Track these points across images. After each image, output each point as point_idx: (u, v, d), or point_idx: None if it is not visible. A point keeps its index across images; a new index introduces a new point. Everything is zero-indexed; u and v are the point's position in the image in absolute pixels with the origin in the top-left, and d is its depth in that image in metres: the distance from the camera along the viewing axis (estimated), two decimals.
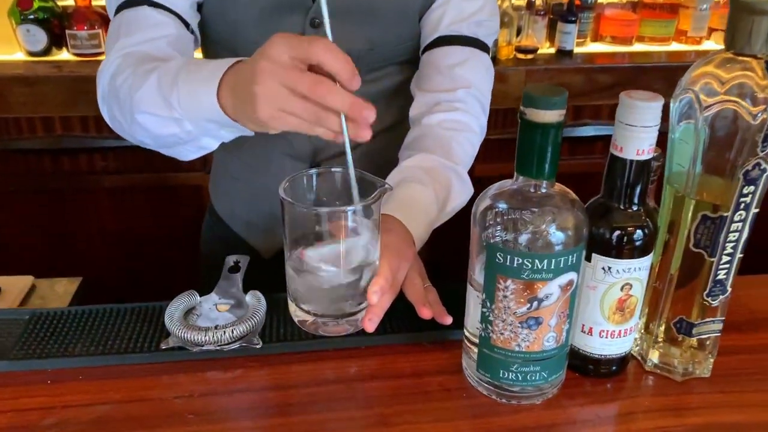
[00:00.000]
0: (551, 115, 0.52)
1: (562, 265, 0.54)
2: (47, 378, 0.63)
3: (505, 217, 0.56)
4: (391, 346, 0.67)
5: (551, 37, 1.88)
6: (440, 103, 0.88)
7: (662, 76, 1.80)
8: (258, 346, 0.65)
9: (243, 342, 0.65)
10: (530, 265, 0.53)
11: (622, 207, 0.58)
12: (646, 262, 0.59)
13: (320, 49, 0.55)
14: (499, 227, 0.56)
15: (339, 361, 0.66)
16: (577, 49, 1.87)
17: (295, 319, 0.68)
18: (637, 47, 1.96)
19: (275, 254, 1.01)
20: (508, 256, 0.54)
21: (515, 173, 0.56)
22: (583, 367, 0.64)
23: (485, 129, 0.91)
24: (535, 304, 0.55)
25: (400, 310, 0.68)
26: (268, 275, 0.80)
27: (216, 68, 0.63)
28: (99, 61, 0.79)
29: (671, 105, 0.58)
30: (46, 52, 1.70)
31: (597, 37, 1.98)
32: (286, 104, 0.56)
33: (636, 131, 0.55)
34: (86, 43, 1.68)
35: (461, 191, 0.83)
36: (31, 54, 1.69)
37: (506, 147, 1.84)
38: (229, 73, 0.62)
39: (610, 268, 0.58)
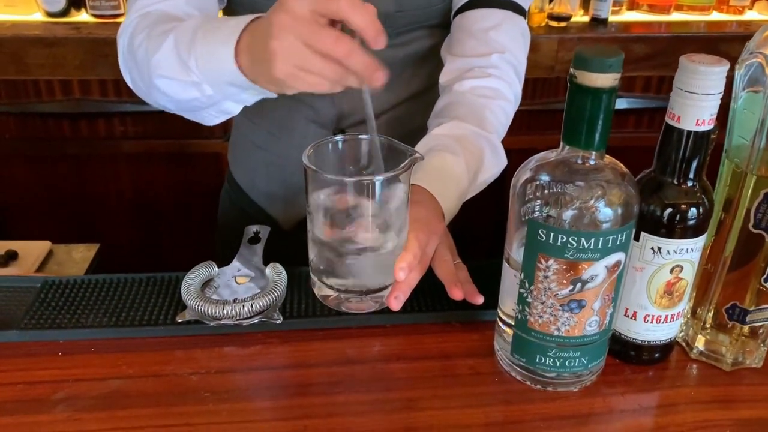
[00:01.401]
0: (605, 79, 0.47)
1: (610, 245, 0.49)
2: (58, 349, 0.60)
3: (547, 191, 0.51)
4: (418, 325, 0.64)
5: (585, 4, 1.80)
6: (472, 68, 0.83)
7: (701, 47, 1.72)
8: (278, 322, 0.62)
9: (262, 317, 0.62)
10: (575, 244, 0.49)
11: (675, 182, 0.53)
12: (699, 242, 0.54)
13: (345, 4, 0.50)
14: (539, 202, 0.51)
15: (363, 340, 0.62)
16: (611, 18, 1.79)
17: (317, 294, 0.65)
18: (675, 16, 1.87)
19: (296, 225, 0.97)
20: (551, 234, 0.49)
21: (561, 142, 0.51)
22: (623, 353, 0.60)
23: (520, 97, 0.86)
24: (579, 285, 0.51)
25: (428, 288, 0.65)
26: (289, 247, 0.76)
27: (234, 27, 0.58)
28: (118, 23, 0.75)
29: (736, 71, 0.52)
30: (65, 13, 1.66)
31: (633, 5, 1.89)
32: (305, 61, 0.52)
33: (697, 99, 0.49)
34: (105, 4, 1.64)
35: (494, 162, 0.79)
36: (50, 15, 1.66)
37: (536, 119, 1.79)
38: (246, 30, 0.58)
39: (660, 248, 0.54)
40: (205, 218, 1.40)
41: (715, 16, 1.89)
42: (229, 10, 0.86)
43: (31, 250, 1.24)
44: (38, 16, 1.67)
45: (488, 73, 0.82)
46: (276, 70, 0.53)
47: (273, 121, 0.93)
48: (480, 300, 0.63)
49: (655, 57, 1.72)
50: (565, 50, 1.68)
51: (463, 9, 0.84)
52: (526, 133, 1.73)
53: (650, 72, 1.75)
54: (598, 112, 0.48)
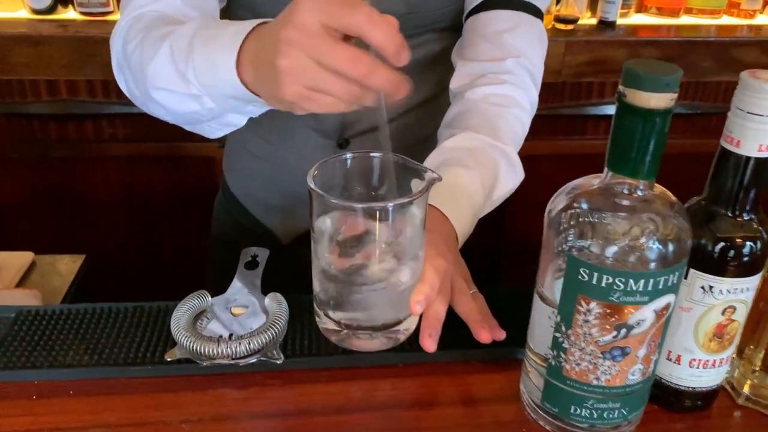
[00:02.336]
0: (660, 99, 0.41)
1: (661, 287, 0.43)
2: (32, 392, 0.54)
3: (587, 222, 0.45)
4: (434, 364, 0.58)
5: (593, 6, 1.74)
6: (486, 74, 0.77)
7: (711, 52, 1.67)
8: (279, 362, 0.55)
9: (261, 356, 0.55)
10: (622, 286, 0.43)
11: (730, 214, 0.47)
12: (755, 281, 0.48)
13: (362, 18, 0.44)
14: (577, 233, 0.45)
15: (373, 382, 0.56)
16: (619, 20, 1.74)
17: (321, 328, 0.58)
18: (684, 19, 1.82)
19: (294, 239, 0.91)
20: (595, 274, 0.43)
21: (605, 169, 0.45)
22: (663, 399, 0.54)
23: (536, 105, 0.81)
24: (623, 331, 0.45)
25: (445, 322, 0.58)
26: (287, 263, 0.70)
27: (235, 34, 0.52)
28: (107, 22, 0.69)
29: None
30: (51, 9, 1.59)
31: (641, 8, 1.84)
32: (317, 82, 0.46)
33: (761, 122, 0.44)
34: (94, 1, 1.57)
35: (511, 176, 0.73)
36: (36, 12, 1.58)
37: (541, 124, 1.72)
38: (250, 39, 0.51)
39: (711, 287, 0.48)
40: (198, 225, 1.33)
41: (726, 19, 1.84)
42: (228, 10, 0.79)
43: (13, 262, 1.17)
44: (23, 13, 1.60)
45: (503, 80, 0.76)
46: (284, 91, 0.47)
47: (271, 128, 0.87)
48: (502, 335, 0.57)
49: (666, 62, 1.67)
50: (571, 54, 1.63)
51: (475, 11, 0.79)
52: (530, 140, 1.68)
53: None
54: (650, 137, 0.42)
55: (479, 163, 0.69)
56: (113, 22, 1.32)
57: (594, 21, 1.74)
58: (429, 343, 0.54)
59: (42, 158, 1.61)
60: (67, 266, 1.21)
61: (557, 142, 1.69)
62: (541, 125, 1.81)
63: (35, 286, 1.14)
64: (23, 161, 1.61)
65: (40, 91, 1.55)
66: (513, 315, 0.57)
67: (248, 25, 0.52)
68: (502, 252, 1.76)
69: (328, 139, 0.84)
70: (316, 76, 0.46)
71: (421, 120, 0.87)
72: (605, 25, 1.71)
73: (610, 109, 1.70)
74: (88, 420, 0.51)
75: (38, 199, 1.63)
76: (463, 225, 0.64)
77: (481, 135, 0.72)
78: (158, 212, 1.67)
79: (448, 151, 0.70)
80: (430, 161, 0.69)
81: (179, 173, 1.65)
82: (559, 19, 1.68)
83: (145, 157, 1.63)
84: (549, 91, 1.65)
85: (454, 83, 0.79)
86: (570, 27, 1.68)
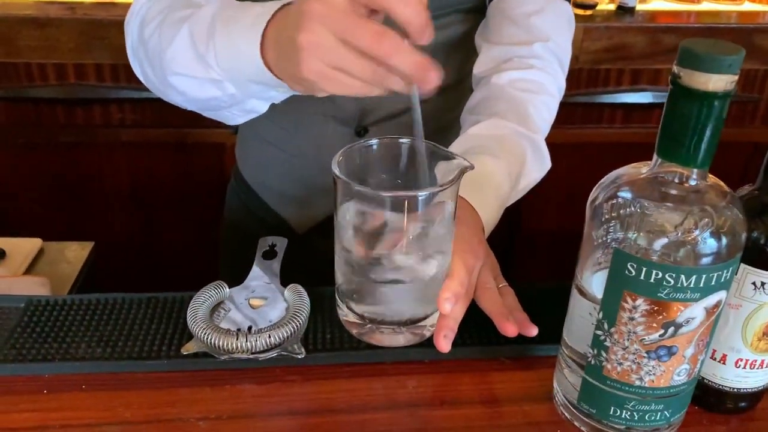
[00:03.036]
0: (719, 81, 0.38)
1: (713, 283, 0.41)
2: (43, 386, 0.51)
3: (633, 213, 0.42)
4: (462, 361, 0.55)
5: None
6: (512, 59, 0.74)
7: (732, 40, 1.58)
8: (300, 356, 0.53)
9: (281, 350, 0.53)
10: (672, 282, 0.40)
11: None
12: None
13: None
14: (618, 224, 0.42)
15: (397, 379, 0.53)
16: (639, 6, 1.69)
17: (343, 321, 0.56)
18: (705, 5, 1.78)
19: (309, 229, 0.88)
20: (643, 269, 0.40)
21: (655, 156, 0.42)
22: (703, 400, 0.51)
23: (563, 91, 0.78)
24: (671, 330, 0.42)
25: (472, 316, 0.56)
26: (302, 253, 0.68)
27: (259, 16, 0.49)
28: (115, 4, 0.67)
29: None
30: None
31: None
32: (339, 60, 0.44)
33: None
34: None
35: (537, 165, 0.70)
36: None
37: (559, 112, 1.70)
38: (274, 20, 0.49)
39: (763, 284, 0.45)
40: (208, 213, 1.31)
41: (747, 6, 1.79)
42: None
43: (21, 248, 1.14)
44: None
45: (530, 64, 0.73)
46: (304, 69, 0.44)
47: (287, 115, 0.84)
48: (534, 331, 0.54)
49: None
50: (590, 39, 1.59)
51: None
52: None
53: None
54: (707, 122, 0.39)
55: (507, 152, 0.66)
56: (122, 5, 1.29)
57: (613, 6, 1.70)
58: (444, 343, 0.51)
59: (49, 144, 1.59)
60: (75, 254, 1.19)
61: (572, 131, 1.65)
62: (558, 113, 1.78)
63: (43, 274, 1.12)
64: (30, 146, 1.58)
65: (48, 75, 1.52)
66: (543, 310, 0.55)
67: (272, 6, 0.49)
68: (515, 244, 1.74)
69: (346, 126, 0.81)
70: (338, 53, 0.43)
71: (443, 106, 0.84)
72: (624, 10, 1.68)
73: (627, 97, 1.66)
74: (100, 417, 0.49)
75: (45, 185, 1.61)
76: (490, 216, 0.62)
77: (509, 122, 0.69)
78: (167, 199, 1.65)
79: (474, 138, 0.67)
80: (456, 148, 0.67)
81: (188, 159, 1.62)
82: (577, 5, 1.64)
83: (154, 143, 1.60)
84: (567, 77, 1.61)
85: (479, 67, 0.76)
86: (588, 12, 1.64)
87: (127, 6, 0.66)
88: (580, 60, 1.60)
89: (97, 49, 1.47)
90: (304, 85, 0.47)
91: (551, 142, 0.73)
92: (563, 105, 0.75)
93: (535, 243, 1.77)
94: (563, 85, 0.77)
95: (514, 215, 1.67)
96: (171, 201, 1.65)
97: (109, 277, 1.41)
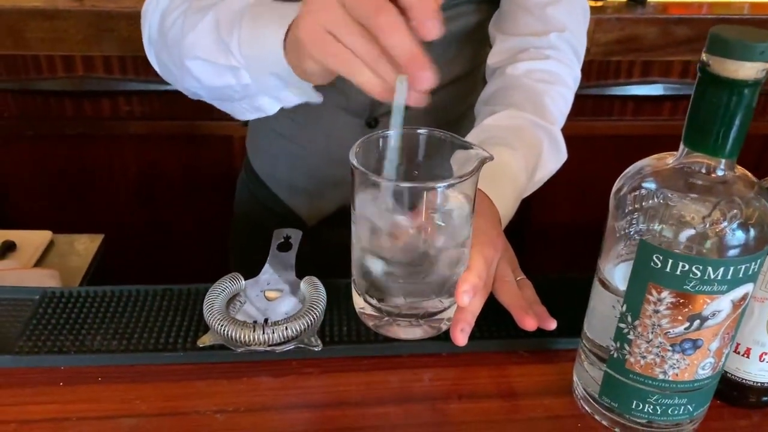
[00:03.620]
0: (750, 69, 0.37)
1: (741, 275, 0.40)
2: (59, 378, 0.51)
3: (659, 204, 0.41)
4: (480, 354, 0.54)
5: None
6: (528, 49, 0.73)
7: None
8: (317, 349, 0.53)
9: (298, 342, 0.53)
10: (699, 274, 0.39)
11: None
12: None
13: None
14: (643, 215, 0.42)
15: (415, 372, 0.53)
16: None
17: (359, 314, 0.55)
18: None
19: (320, 221, 0.88)
20: (670, 260, 0.40)
21: (681, 145, 0.41)
22: (725, 394, 0.50)
23: (579, 82, 0.77)
24: (697, 323, 0.41)
25: (490, 309, 0.55)
26: (312, 246, 0.67)
27: (288, 9, 0.49)
28: None
29: None
30: None
31: None
32: (335, 24, 0.42)
33: None
34: None
35: (554, 156, 0.70)
36: None
37: (572, 105, 1.69)
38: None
39: None
40: (217, 205, 1.30)
41: None
42: None
43: (31, 241, 1.14)
44: None
45: (546, 55, 0.73)
46: (301, 28, 0.43)
47: (298, 107, 0.83)
48: (553, 325, 0.54)
49: (698, 40, 1.61)
50: (601, 31, 1.58)
51: None
52: None
53: (690, 56, 1.64)
54: (737, 111, 0.38)
55: (523, 143, 0.65)
56: None
57: None
58: (461, 337, 0.50)
59: (57, 136, 1.59)
60: (85, 246, 1.18)
61: (583, 123, 1.64)
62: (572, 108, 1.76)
63: (53, 266, 1.12)
64: (38, 139, 1.58)
65: (56, 68, 1.52)
66: (561, 303, 0.54)
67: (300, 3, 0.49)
68: (525, 237, 1.73)
69: (357, 118, 0.81)
70: (336, 17, 0.42)
71: (455, 98, 0.83)
72: (636, 2, 1.66)
73: (638, 89, 1.65)
74: (117, 409, 0.49)
75: (53, 177, 1.61)
76: (507, 208, 0.61)
77: (525, 113, 0.68)
78: (175, 192, 1.65)
79: (490, 129, 0.67)
80: (472, 138, 0.66)
81: (197, 152, 1.62)
82: None
83: (162, 135, 1.60)
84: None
85: (493, 58, 0.75)
86: (599, 3, 1.63)
87: None
88: (590, 52, 1.57)
89: (105, 41, 1.46)
90: (299, 52, 0.46)
91: (565, 134, 0.72)
92: (577, 98, 0.75)
93: (547, 235, 1.76)
94: (578, 75, 0.76)
95: (525, 208, 1.66)
96: (179, 193, 1.65)
97: (119, 269, 1.41)
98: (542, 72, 0.72)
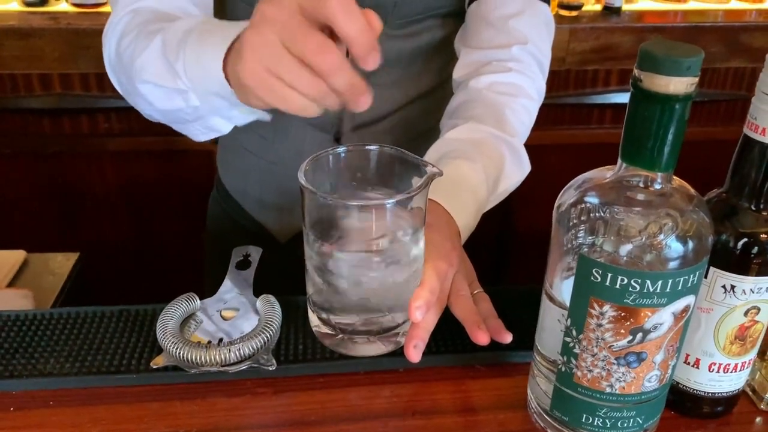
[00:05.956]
0: (679, 84, 0.37)
1: (680, 288, 0.40)
2: (11, 404, 0.50)
3: (599, 218, 0.42)
4: (437, 369, 0.54)
5: None
6: (491, 62, 0.73)
7: (719, 38, 1.62)
8: (271, 368, 0.52)
9: (252, 362, 0.52)
10: (638, 287, 0.40)
11: (753, 208, 0.44)
12: None
13: (338, 5, 0.40)
14: (585, 229, 0.42)
15: (371, 389, 0.53)
16: (625, 6, 1.69)
17: (316, 333, 0.55)
18: (692, 5, 1.77)
19: (292, 238, 0.88)
20: (609, 275, 0.40)
21: (619, 160, 0.41)
22: (679, 405, 0.51)
23: (543, 94, 0.77)
24: (639, 336, 0.41)
25: (446, 324, 0.55)
26: (283, 262, 0.67)
27: (231, 27, 0.49)
28: (99, 14, 0.66)
29: None
30: (43, 2, 1.56)
31: None
32: (278, 64, 0.42)
33: None
34: None
35: (516, 168, 0.70)
36: (27, 4, 1.55)
37: (545, 114, 1.68)
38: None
39: (733, 287, 0.44)
40: (197, 221, 1.30)
41: (734, 4, 1.79)
42: (233, 6, 0.75)
43: (4, 260, 1.14)
44: (14, 5, 1.56)
45: (508, 67, 0.73)
46: (245, 69, 0.43)
47: (265, 123, 0.83)
48: (509, 338, 0.54)
49: None
50: (576, 41, 1.59)
51: None
52: (534, 130, 1.64)
53: None
54: (669, 125, 0.38)
55: (483, 155, 0.65)
56: (105, 14, 1.28)
57: (599, 7, 1.70)
58: (414, 353, 0.50)
59: (36, 154, 1.58)
60: (60, 265, 1.18)
61: (562, 132, 1.65)
62: (544, 114, 1.77)
63: (28, 286, 1.11)
64: (17, 157, 1.58)
65: (33, 86, 1.52)
66: (519, 316, 0.54)
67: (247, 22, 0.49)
68: (507, 247, 1.73)
69: (324, 133, 0.81)
70: (279, 56, 0.41)
71: (423, 112, 0.83)
72: (610, 11, 1.67)
73: (616, 98, 1.66)
74: None
75: (32, 195, 1.60)
76: (467, 220, 0.61)
77: (486, 126, 0.68)
78: (155, 208, 1.64)
79: (450, 143, 0.67)
80: (432, 153, 0.66)
81: (177, 168, 1.62)
82: (563, 6, 1.64)
83: (141, 151, 1.60)
84: (553, 79, 1.60)
85: (458, 72, 0.76)
86: (574, 13, 1.64)
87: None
88: (567, 61, 1.59)
89: (82, 59, 1.46)
90: (243, 91, 0.46)
91: (541, 143, 0.72)
92: (552, 106, 0.75)
93: (528, 245, 1.76)
94: (543, 87, 0.77)
95: (506, 217, 1.66)
96: (160, 209, 1.65)
97: (96, 287, 1.40)
98: (504, 84, 0.73)
